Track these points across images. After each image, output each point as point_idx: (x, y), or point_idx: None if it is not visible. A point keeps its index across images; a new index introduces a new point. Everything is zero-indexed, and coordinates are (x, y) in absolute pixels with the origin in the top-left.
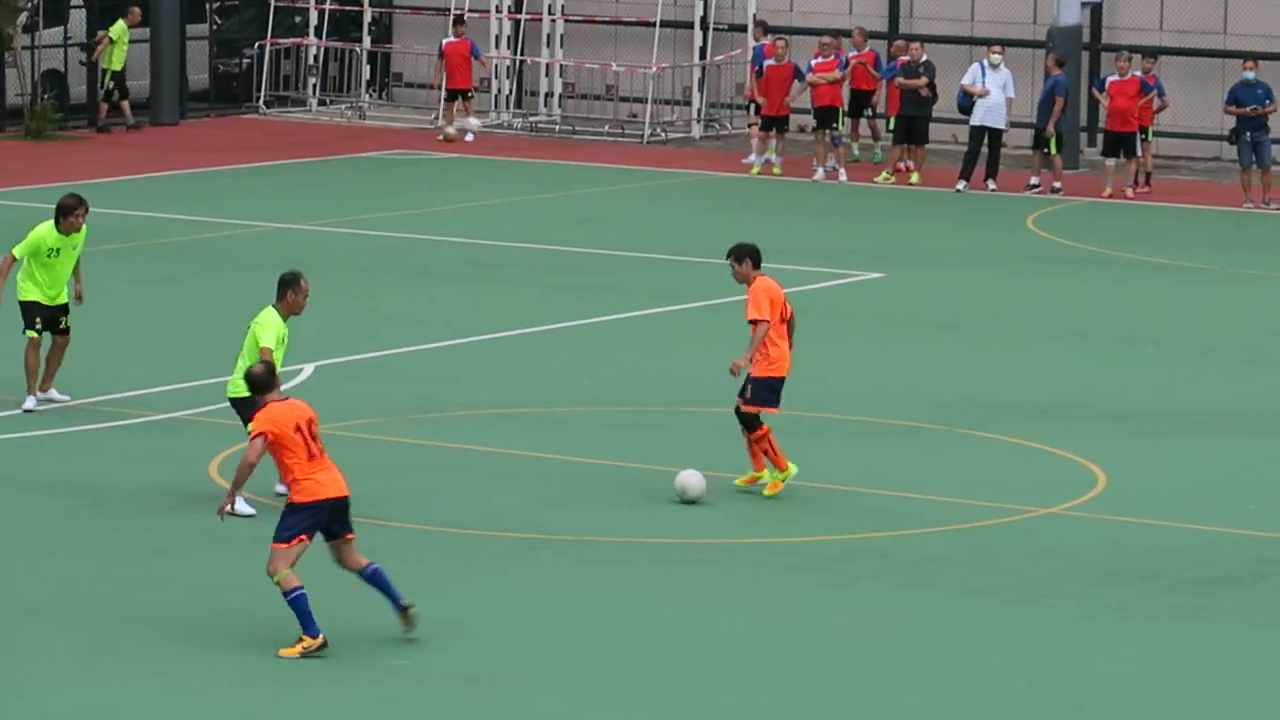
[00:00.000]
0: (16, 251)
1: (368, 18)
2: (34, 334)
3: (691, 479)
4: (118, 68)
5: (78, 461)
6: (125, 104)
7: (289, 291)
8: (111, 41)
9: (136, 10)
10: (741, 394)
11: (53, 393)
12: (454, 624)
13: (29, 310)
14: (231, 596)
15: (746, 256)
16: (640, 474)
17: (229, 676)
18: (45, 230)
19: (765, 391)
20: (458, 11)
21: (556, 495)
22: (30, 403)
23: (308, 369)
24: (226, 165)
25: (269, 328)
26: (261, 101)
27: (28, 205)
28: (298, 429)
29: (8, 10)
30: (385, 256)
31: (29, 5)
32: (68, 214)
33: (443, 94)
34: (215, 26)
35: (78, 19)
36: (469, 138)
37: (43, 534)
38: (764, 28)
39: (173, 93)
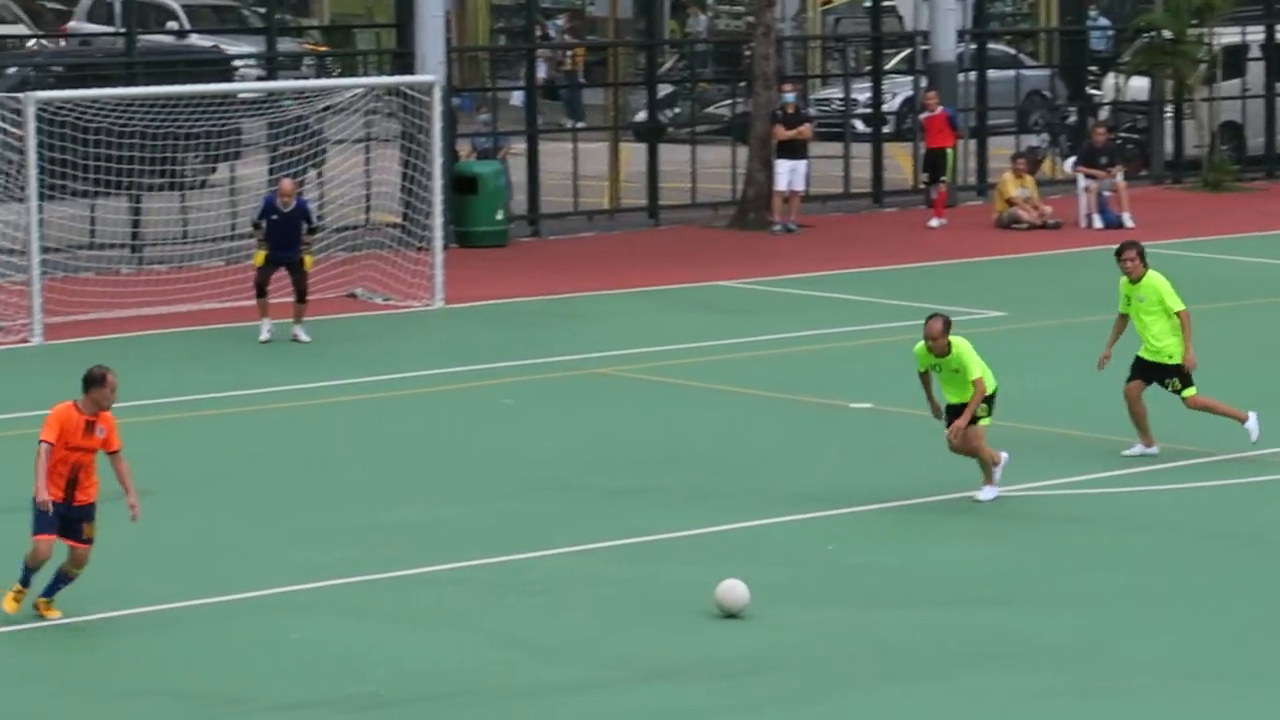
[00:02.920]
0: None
1: None
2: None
3: (731, 594)
4: None
5: (1248, 513)
6: None
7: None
8: None
9: None
10: None
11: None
12: None
13: None
14: None
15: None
16: None
17: None
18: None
19: None
20: None
21: None
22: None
23: None
24: None
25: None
26: None
27: (1205, 256)
28: None
29: (1188, 61)
30: None
31: (1209, 57)
32: (1117, 256)
33: None
34: None
35: (1255, 70)
36: None
37: (1217, 581)
38: None
39: None
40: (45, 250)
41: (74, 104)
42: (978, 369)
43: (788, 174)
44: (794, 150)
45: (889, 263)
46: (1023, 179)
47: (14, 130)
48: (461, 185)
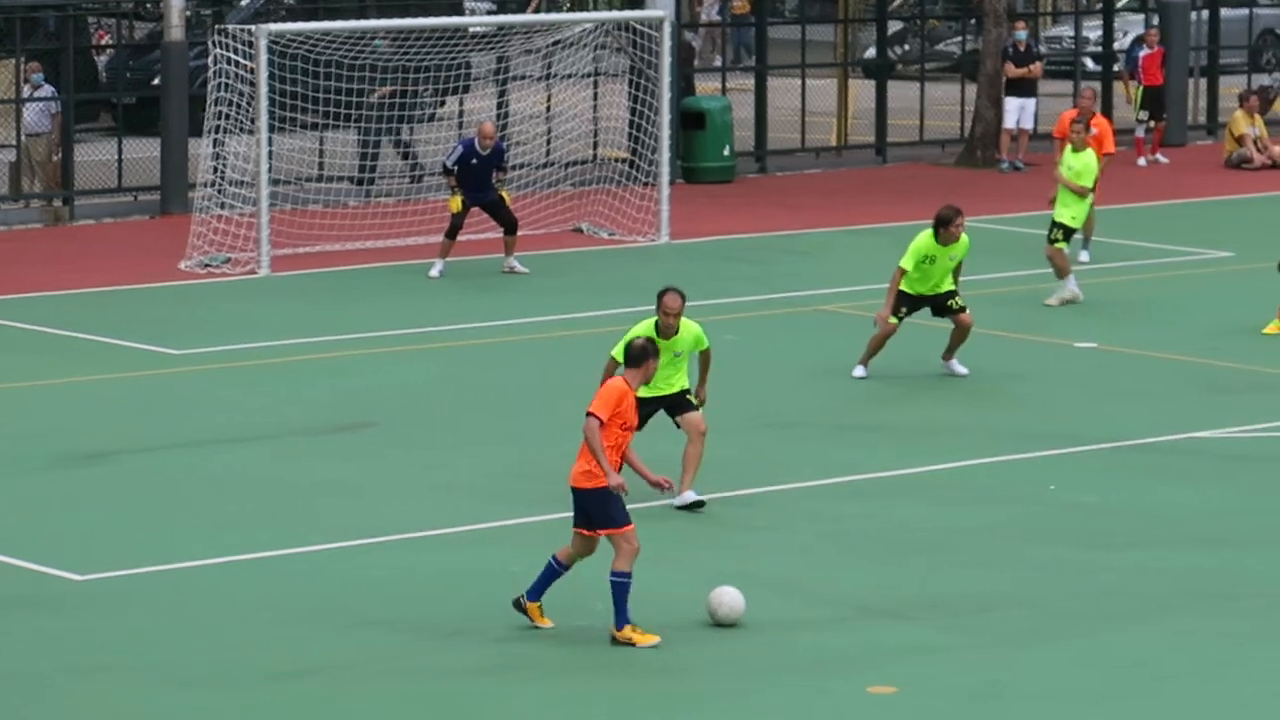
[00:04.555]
0: (905, 264)
1: None
2: (894, 320)
3: (724, 601)
4: None
5: None
6: None
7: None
8: None
9: None
10: None
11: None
12: None
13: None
14: None
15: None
16: None
17: None
18: (924, 240)
19: None
20: None
21: None
22: (859, 370)
23: None
24: None
25: None
26: None
27: None
28: None
29: None
30: None
31: None
32: (946, 225)
33: None
34: None
35: None
36: None
37: None
38: None
39: None
40: (274, 182)
41: (305, 37)
42: (708, 340)
43: (1017, 112)
44: (1024, 88)
45: (1117, 202)
46: (1253, 118)
47: (245, 63)
48: (689, 121)
